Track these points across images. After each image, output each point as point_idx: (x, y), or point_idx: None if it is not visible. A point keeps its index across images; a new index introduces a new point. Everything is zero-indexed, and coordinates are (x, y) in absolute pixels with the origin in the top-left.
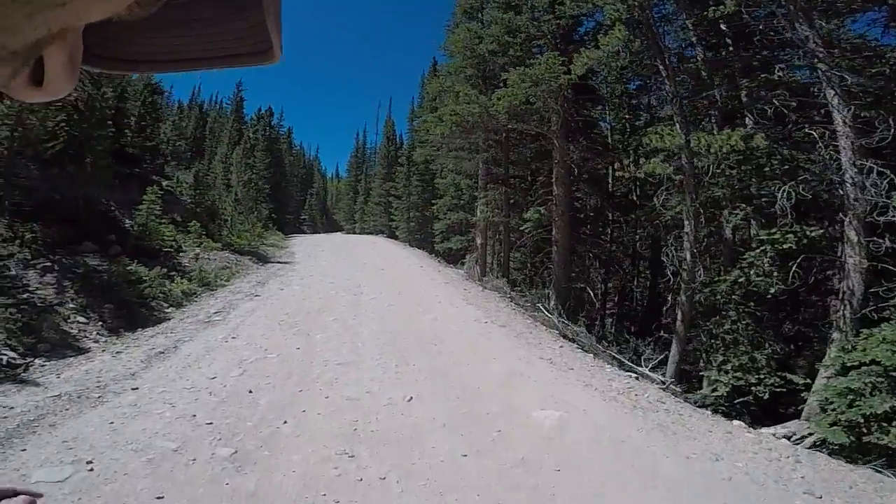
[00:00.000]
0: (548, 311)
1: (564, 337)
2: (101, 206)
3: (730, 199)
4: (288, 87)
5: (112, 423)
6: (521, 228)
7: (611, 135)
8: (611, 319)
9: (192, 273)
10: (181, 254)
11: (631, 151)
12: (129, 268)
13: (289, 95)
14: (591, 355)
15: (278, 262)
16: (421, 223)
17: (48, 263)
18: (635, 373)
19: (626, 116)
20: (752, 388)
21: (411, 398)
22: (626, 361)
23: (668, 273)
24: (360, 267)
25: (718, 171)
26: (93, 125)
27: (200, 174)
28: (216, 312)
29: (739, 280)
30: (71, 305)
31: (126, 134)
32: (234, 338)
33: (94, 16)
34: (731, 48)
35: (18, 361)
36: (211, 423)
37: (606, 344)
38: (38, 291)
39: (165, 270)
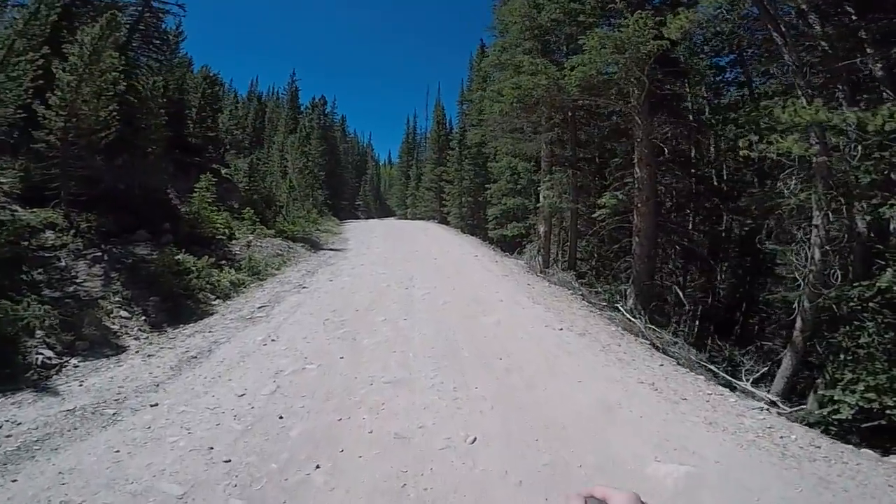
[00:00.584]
0: (629, 313)
1: (655, 347)
2: (160, 194)
3: (871, 188)
4: (340, 77)
5: (118, 451)
6: (594, 216)
7: (707, 108)
8: (696, 321)
9: (242, 262)
10: (234, 241)
11: (729, 129)
12: (176, 257)
13: (341, 85)
14: (690, 371)
15: (330, 250)
16: (473, 209)
17: (99, 253)
18: (733, 387)
19: (706, 94)
20: (889, 411)
21: (475, 439)
22: (724, 374)
23: (776, 271)
24: (412, 255)
25: (865, 153)
26: (145, 115)
27: (255, 162)
28: (260, 307)
29: (885, 286)
30: (116, 299)
31: (187, 125)
32: (273, 340)
33: None
34: (853, 16)
35: (54, 361)
36: (229, 461)
37: (696, 352)
38: (86, 284)
39: (215, 259)
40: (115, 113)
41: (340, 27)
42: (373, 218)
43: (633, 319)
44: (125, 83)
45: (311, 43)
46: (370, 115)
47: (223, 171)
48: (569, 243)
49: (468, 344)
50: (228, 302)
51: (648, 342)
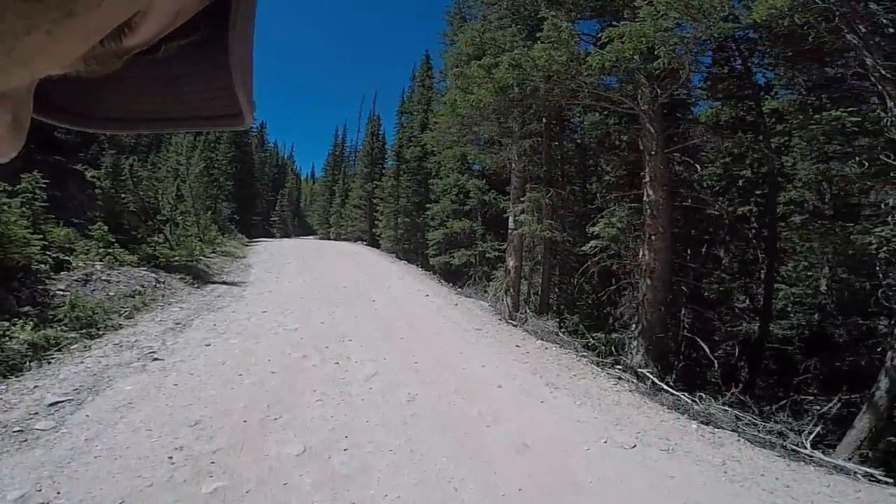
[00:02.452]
0: (650, 377)
1: (698, 421)
2: None
3: None
4: (263, 84)
5: None
6: (582, 250)
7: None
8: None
9: (62, 309)
10: (65, 273)
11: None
12: None
13: (263, 93)
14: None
15: (224, 283)
16: (410, 230)
17: None
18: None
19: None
20: None
21: None
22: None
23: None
24: (340, 293)
25: None
26: None
27: (132, 164)
28: (53, 405)
29: None
30: None
31: None
32: None
33: (38, 74)
34: None
35: None
36: None
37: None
38: None
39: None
40: None
41: (268, 32)
42: (290, 237)
43: (666, 387)
44: None
45: None
46: (295, 126)
47: (89, 174)
48: (541, 281)
49: None
50: (10, 381)
51: (686, 415)
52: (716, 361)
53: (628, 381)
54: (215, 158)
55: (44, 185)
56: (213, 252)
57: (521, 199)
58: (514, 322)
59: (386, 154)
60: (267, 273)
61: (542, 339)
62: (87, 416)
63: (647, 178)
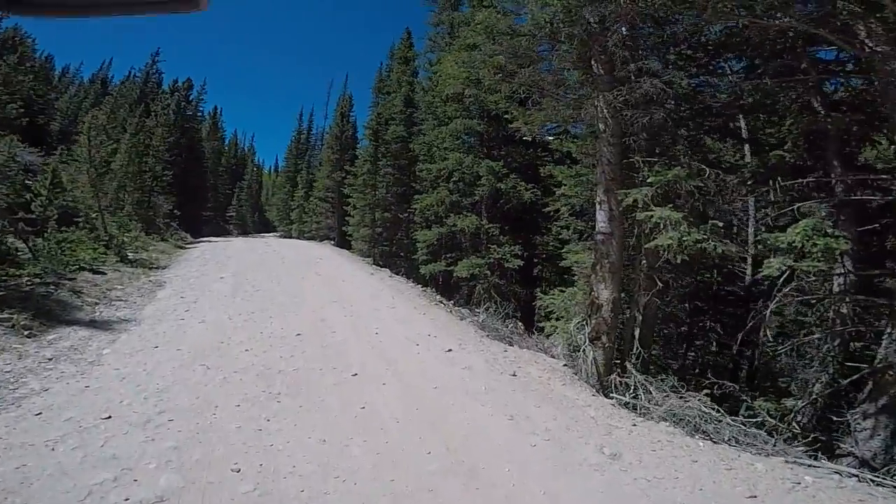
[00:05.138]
0: None
1: None
2: None
3: None
4: (222, 70)
5: None
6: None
7: None
8: None
9: None
10: None
11: None
12: None
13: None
14: None
15: (85, 326)
16: (391, 228)
17: None
18: None
19: None
20: None
21: None
22: None
23: None
24: (292, 358)
25: None
26: None
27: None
28: None
29: None
30: None
31: None
32: None
33: None
34: None
35: None
36: None
37: None
38: None
39: None
40: None
41: (235, 22)
42: (250, 234)
43: None
44: None
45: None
46: (256, 117)
47: None
48: (640, 319)
49: None
50: None
51: None
52: None
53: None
54: (150, 143)
55: None
56: (120, 261)
57: (615, 185)
58: (612, 394)
59: (359, 139)
60: (179, 300)
61: (692, 434)
62: None
63: None
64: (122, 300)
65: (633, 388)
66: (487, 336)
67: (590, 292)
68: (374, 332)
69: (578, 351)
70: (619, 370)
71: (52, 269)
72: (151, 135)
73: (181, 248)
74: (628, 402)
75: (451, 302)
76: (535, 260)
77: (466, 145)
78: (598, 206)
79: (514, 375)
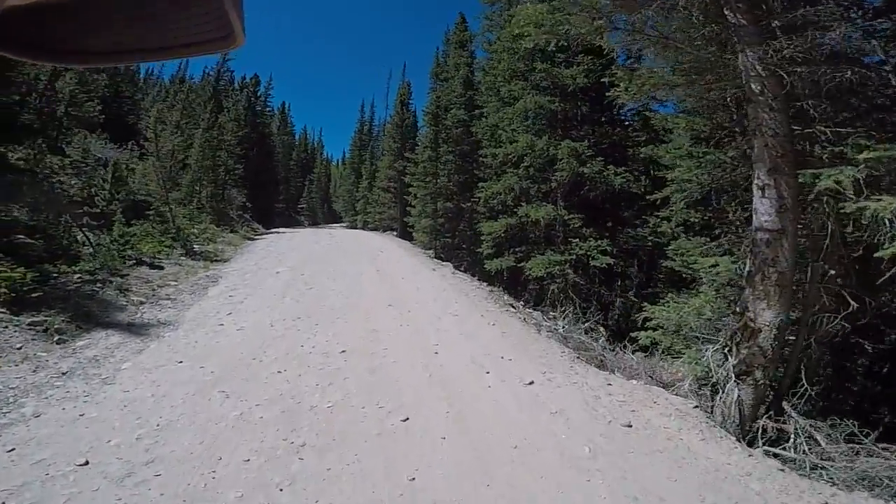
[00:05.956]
0: None
1: None
2: None
3: None
4: (288, 67)
5: None
6: None
7: None
8: None
9: None
10: None
11: None
12: None
13: (287, 76)
14: None
15: (121, 330)
16: (453, 219)
17: None
18: None
19: None
20: None
21: None
22: None
23: None
24: (332, 367)
25: None
26: None
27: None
28: None
29: None
30: None
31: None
32: None
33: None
34: None
35: None
36: None
37: None
38: None
39: None
40: None
41: (295, 22)
42: (319, 224)
43: None
44: None
45: (263, 37)
46: (323, 113)
47: (14, 157)
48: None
49: None
50: None
51: None
52: None
53: None
54: (222, 138)
55: None
56: (185, 253)
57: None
58: (758, 444)
59: (419, 127)
60: (227, 299)
61: None
62: None
63: None
64: (170, 299)
65: (792, 436)
66: (577, 357)
67: (742, 312)
68: (433, 349)
69: (713, 385)
70: (771, 412)
71: (106, 264)
72: (223, 130)
73: (250, 238)
74: (790, 458)
75: (522, 303)
76: (623, 257)
77: (537, 126)
78: (757, 193)
79: (628, 426)
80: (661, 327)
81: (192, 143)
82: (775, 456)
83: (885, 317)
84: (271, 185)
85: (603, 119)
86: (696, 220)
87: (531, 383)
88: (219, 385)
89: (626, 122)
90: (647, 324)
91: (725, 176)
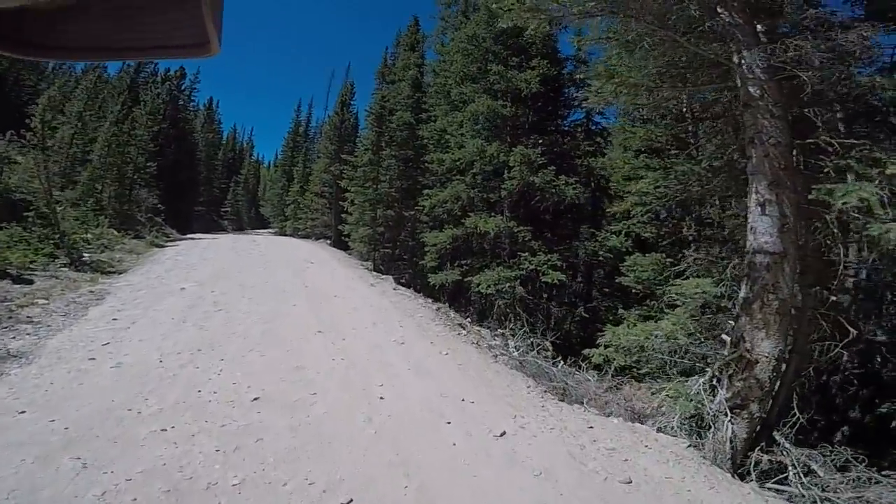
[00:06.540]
0: None
1: None
2: None
3: None
4: (220, 62)
5: None
6: None
7: None
8: None
9: None
10: None
11: None
12: None
13: (218, 70)
14: None
15: None
16: (394, 228)
17: None
18: None
19: None
20: None
21: None
22: None
23: None
24: (237, 425)
25: None
26: None
27: None
28: None
29: None
30: None
31: None
32: None
33: None
34: None
35: None
36: None
37: None
38: None
39: None
40: None
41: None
42: (242, 231)
43: None
44: None
45: None
46: (257, 112)
47: None
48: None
49: None
50: None
51: None
52: None
53: None
54: (134, 132)
55: None
56: (70, 263)
57: (791, 176)
58: (750, 478)
59: (360, 129)
60: (109, 322)
61: None
62: None
63: None
64: (32, 322)
65: (787, 467)
66: (545, 391)
67: (737, 342)
68: (377, 392)
69: (700, 419)
70: (762, 443)
71: None
72: (135, 123)
73: (159, 245)
74: (796, 494)
75: (468, 320)
76: (572, 271)
77: (487, 131)
78: (756, 210)
79: (628, 483)
80: (622, 346)
81: (97, 137)
82: (778, 492)
83: (869, 342)
84: (191, 186)
85: (552, 128)
86: (651, 235)
87: (503, 434)
88: (73, 448)
89: (574, 132)
90: (600, 341)
91: (696, 188)
